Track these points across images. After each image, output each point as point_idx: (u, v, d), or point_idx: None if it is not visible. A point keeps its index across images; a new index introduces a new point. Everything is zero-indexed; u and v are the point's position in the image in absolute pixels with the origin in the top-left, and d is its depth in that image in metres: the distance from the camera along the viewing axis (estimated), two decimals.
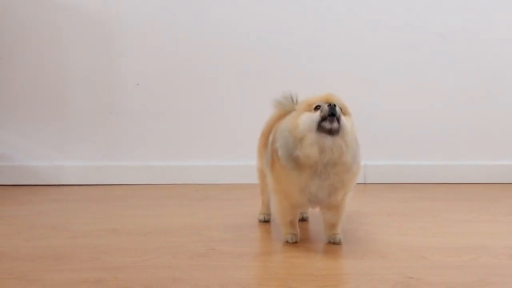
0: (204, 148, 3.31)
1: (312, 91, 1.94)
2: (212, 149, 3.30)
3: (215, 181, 3.25)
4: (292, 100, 2.13)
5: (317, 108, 1.82)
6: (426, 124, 3.32)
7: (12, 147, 3.25)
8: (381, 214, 2.52)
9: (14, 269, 1.71)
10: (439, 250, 1.91)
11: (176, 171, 3.27)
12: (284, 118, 1.97)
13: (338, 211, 1.96)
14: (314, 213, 2.28)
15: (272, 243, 2.08)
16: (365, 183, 3.25)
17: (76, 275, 1.66)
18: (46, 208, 2.65)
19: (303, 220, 2.31)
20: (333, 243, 1.98)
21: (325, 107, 1.79)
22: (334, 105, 1.79)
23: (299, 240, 2.01)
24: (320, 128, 1.79)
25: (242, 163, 3.08)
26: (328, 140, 1.79)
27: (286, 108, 2.13)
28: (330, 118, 1.78)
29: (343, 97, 1.91)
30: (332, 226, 2.00)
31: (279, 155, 1.86)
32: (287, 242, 2.00)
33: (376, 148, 3.17)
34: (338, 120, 1.79)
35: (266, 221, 2.30)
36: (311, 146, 1.79)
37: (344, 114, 1.84)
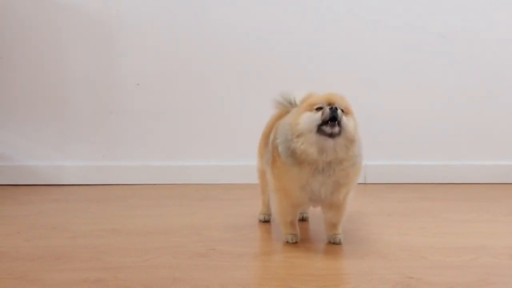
0: (204, 148, 3.31)
1: (312, 91, 1.94)
2: (212, 149, 3.30)
3: (215, 181, 3.25)
4: (291, 101, 2.13)
5: (318, 109, 1.82)
6: (426, 124, 3.32)
7: (12, 147, 3.25)
8: (381, 214, 2.52)
9: (14, 269, 1.71)
10: (439, 250, 1.91)
11: (176, 171, 3.27)
12: (285, 117, 1.98)
13: (339, 211, 1.96)
14: (314, 213, 2.29)
15: (272, 243, 2.09)
16: (365, 183, 3.25)
17: (76, 275, 1.66)
18: (46, 208, 2.65)
19: (303, 220, 2.31)
20: (333, 243, 1.99)
21: (327, 111, 1.79)
22: (336, 109, 1.79)
23: (299, 240, 2.01)
24: (320, 131, 1.79)
25: (242, 163, 3.08)
26: (329, 142, 1.80)
27: (286, 107, 2.14)
28: (331, 123, 1.78)
29: (345, 95, 1.92)
30: (333, 226, 2.00)
31: (279, 151, 1.86)
32: (287, 242, 2.00)
33: (376, 148, 3.16)
34: (339, 123, 1.79)
35: (266, 221, 2.30)
36: (310, 145, 1.80)
37: (346, 113, 1.84)
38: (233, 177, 3.22)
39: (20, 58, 3.23)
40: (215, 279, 1.62)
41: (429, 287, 1.57)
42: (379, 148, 3.21)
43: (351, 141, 1.83)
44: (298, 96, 2.11)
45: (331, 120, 1.78)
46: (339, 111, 1.79)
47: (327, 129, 1.78)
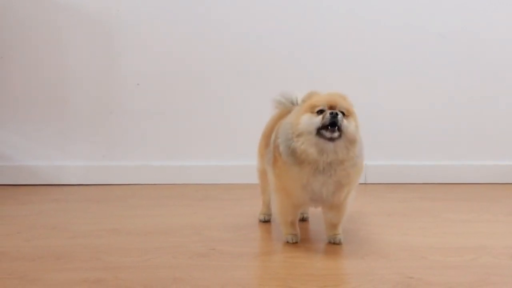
0: (204, 148, 3.31)
1: (314, 89, 1.94)
2: (212, 149, 3.30)
3: (215, 181, 3.25)
4: (293, 100, 2.13)
5: (319, 112, 1.82)
6: (426, 124, 3.32)
7: (12, 147, 3.25)
8: (382, 214, 2.52)
9: (15, 269, 1.71)
10: (439, 250, 1.91)
11: (176, 171, 3.27)
12: (286, 117, 1.98)
13: (340, 211, 1.96)
14: (314, 213, 2.29)
15: (272, 243, 2.09)
16: (365, 183, 3.25)
17: (77, 275, 1.66)
18: (46, 208, 2.65)
19: (303, 220, 2.31)
20: (334, 243, 1.99)
21: (327, 115, 1.79)
22: (336, 114, 1.79)
23: (299, 240, 2.01)
24: (319, 134, 1.79)
25: (242, 163, 3.08)
26: (328, 145, 1.80)
27: (287, 107, 2.14)
28: (331, 128, 1.78)
29: (347, 95, 1.92)
30: (333, 226, 2.00)
31: (280, 150, 1.87)
32: (287, 242, 2.00)
33: (376, 148, 3.16)
34: (339, 128, 1.79)
35: (266, 221, 2.30)
36: (310, 146, 1.80)
37: (348, 115, 1.84)
38: (233, 177, 3.22)
39: (20, 58, 3.23)
40: (215, 279, 1.62)
41: (429, 287, 1.57)
42: (379, 148, 3.21)
43: (352, 142, 1.83)
44: (300, 96, 2.11)
45: (331, 125, 1.78)
46: (339, 116, 1.79)
47: (327, 134, 1.79)
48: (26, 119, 3.24)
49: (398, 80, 3.30)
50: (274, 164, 1.93)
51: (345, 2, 3.26)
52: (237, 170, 3.20)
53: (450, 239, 2.09)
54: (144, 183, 3.24)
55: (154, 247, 1.94)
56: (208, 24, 3.25)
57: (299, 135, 1.82)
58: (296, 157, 1.83)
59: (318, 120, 1.81)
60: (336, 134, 1.79)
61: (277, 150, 1.89)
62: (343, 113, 1.82)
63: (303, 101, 1.91)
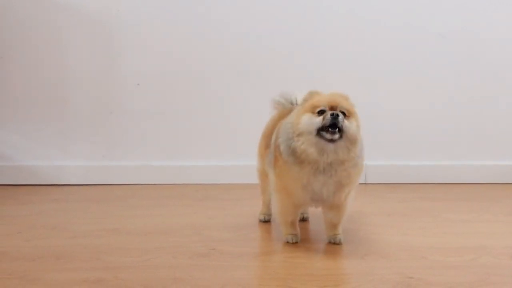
0: (204, 148, 3.31)
1: (314, 89, 1.94)
2: (212, 149, 3.30)
3: (215, 181, 3.25)
4: (292, 101, 2.13)
5: (320, 112, 1.82)
6: (426, 124, 3.32)
7: (12, 147, 3.25)
8: (382, 214, 2.52)
9: (15, 269, 1.71)
10: (439, 250, 1.91)
11: (176, 171, 3.27)
12: (286, 117, 1.98)
13: (340, 211, 1.96)
14: (314, 213, 2.29)
15: (273, 243, 2.09)
16: (365, 183, 3.25)
17: (77, 274, 1.66)
18: (46, 208, 2.65)
19: (303, 220, 2.31)
20: (334, 243, 1.98)
21: (328, 116, 1.79)
22: (337, 115, 1.78)
23: (299, 240, 2.01)
24: (319, 134, 1.79)
25: (242, 163, 3.08)
26: (329, 145, 1.80)
27: (286, 107, 2.13)
28: (331, 130, 1.78)
29: (348, 94, 1.91)
30: (333, 226, 2.00)
31: (281, 150, 1.86)
32: (287, 242, 2.00)
33: (376, 148, 3.16)
34: (340, 130, 1.79)
35: (266, 221, 2.30)
36: (310, 146, 1.80)
37: (349, 116, 1.84)
38: (233, 177, 3.22)
39: (20, 58, 3.23)
40: (215, 279, 1.62)
41: (429, 287, 1.57)
42: (379, 148, 3.21)
43: (352, 142, 1.83)
44: (299, 96, 2.12)
45: (331, 127, 1.78)
46: (340, 117, 1.79)
47: (327, 136, 1.79)
48: (26, 119, 3.25)
49: (398, 80, 3.30)
50: (275, 164, 1.93)
51: (345, 2, 3.27)
52: (237, 170, 3.20)
53: (450, 239, 2.09)
54: (144, 183, 3.24)
55: (154, 247, 1.94)
56: (208, 24, 3.25)
57: (299, 135, 1.82)
58: (296, 157, 1.83)
59: (318, 120, 1.80)
60: (336, 136, 1.79)
61: (277, 150, 1.89)
62: (344, 114, 1.82)
63: (304, 100, 1.90)
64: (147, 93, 3.26)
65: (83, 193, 3.01)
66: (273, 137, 1.99)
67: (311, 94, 1.90)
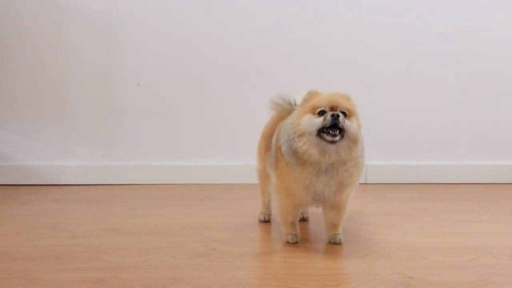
0: (204, 148, 3.31)
1: (314, 89, 1.93)
2: (212, 149, 3.30)
3: (215, 181, 3.25)
4: (291, 102, 2.13)
5: (321, 113, 1.82)
6: (426, 124, 3.32)
7: (12, 147, 3.25)
8: (382, 214, 2.52)
9: (15, 269, 1.71)
10: (439, 250, 1.91)
11: (176, 171, 3.27)
12: (286, 118, 1.97)
13: (340, 211, 1.96)
14: (314, 213, 2.29)
15: (273, 243, 2.09)
16: (365, 183, 3.25)
17: (77, 274, 1.66)
18: (46, 208, 2.65)
19: (303, 220, 2.31)
20: (334, 243, 1.98)
21: (328, 117, 1.78)
22: (338, 116, 1.78)
23: (299, 240, 2.01)
24: (320, 135, 1.79)
25: (242, 163, 3.08)
26: (330, 146, 1.80)
27: (284, 108, 2.13)
28: (332, 130, 1.78)
29: (349, 94, 1.91)
30: (333, 226, 2.00)
31: (283, 151, 1.86)
32: (287, 242, 2.00)
33: (376, 148, 3.16)
34: (341, 130, 1.78)
35: (266, 221, 2.30)
36: (311, 147, 1.80)
37: (350, 116, 1.83)
38: (233, 177, 3.22)
39: (20, 58, 3.23)
40: (215, 279, 1.62)
41: (430, 287, 1.57)
42: (379, 148, 3.21)
43: (354, 142, 1.83)
44: (298, 97, 2.11)
45: (332, 127, 1.78)
46: (341, 118, 1.78)
47: (328, 137, 1.78)
48: (26, 119, 3.24)
49: (398, 80, 3.30)
50: (276, 165, 1.93)
51: (345, 2, 3.26)
52: (237, 170, 3.20)
53: (450, 239, 2.09)
54: (144, 183, 3.24)
55: (154, 247, 1.94)
56: (208, 24, 3.25)
57: (300, 136, 1.82)
58: (298, 158, 1.82)
59: (319, 121, 1.80)
60: (337, 138, 1.79)
61: (279, 151, 1.89)
62: (344, 114, 1.81)
63: (304, 100, 1.90)
64: (147, 93, 3.26)
65: (83, 193, 3.01)
66: (274, 138, 1.98)
67: (311, 94, 1.89)
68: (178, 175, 3.26)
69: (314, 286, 1.58)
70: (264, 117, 2.25)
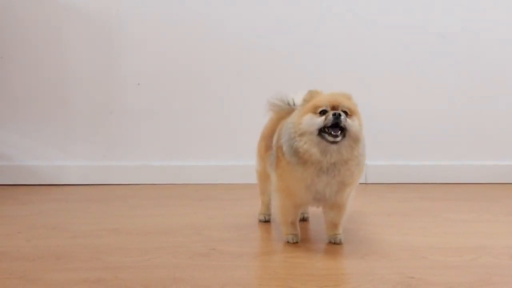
0: (204, 148, 3.31)
1: (314, 89, 1.93)
2: (212, 149, 3.30)
3: (215, 181, 3.25)
4: (289, 102, 2.13)
5: (322, 112, 1.82)
6: (426, 124, 3.32)
7: (12, 147, 3.25)
8: (382, 214, 2.52)
9: (15, 269, 1.71)
10: (439, 250, 1.91)
11: (176, 171, 3.27)
12: (286, 118, 1.97)
13: (340, 211, 1.96)
14: (314, 213, 2.29)
15: (273, 243, 2.09)
16: (366, 183, 3.25)
17: (77, 274, 1.66)
18: (47, 208, 2.65)
19: (303, 220, 2.31)
20: (334, 243, 1.98)
21: (330, 116, 1.78)
22: (339, 115, 1.78)
23: (299, 240, 2.01)
24: (321, 135, 1.79)
25: (242, 163, 3.08)
26: (332, 146, 1.79)
27: (283, 108, 2.13)
28: (334, 131, 1.77)
29: (350, 93, 1.91)
30: (334, 226, 1.99)
31: (284, 150, 1.86)
32: (287, 242, 1.99)
33: (376, 148, 3.16)
34: (342, 129, 1.78)
35: (266, 221, 2.30)
36: (312, 146, 1.80)
37: (351, 115, 1.83)
38: (233, 177, 3.22)
39: (20, 58, 3.23)
40: (215, 279, 1.62)
41: (430, 287, 1.57)
42: (379, 148, 3.21)
43: (356, 141, 1.82)
44: (297, 97, 2.11)
45: (333, 126, 1.77)
46: (342, 117, 1.78)
47: (330, 138, 1.78)
48: (26, 119, 3.24)
49: (398, 80, 3.30)
50: (277, 165, 1.93)
51: (345, 2, 3.27)
52: (237, 170, 3.20)
53: (450, 239, 2.09)
54: (144, 183, 3.24)
55: (154, 247, 1.94)
56: (208, 24, 3.25)
57: (301, 135, 1.82)
58: (299, 157, 1.82)
59: (320, 120, 1.80)
60: (338, 139, 1.78)
61: (280, 151, 1.89)
62: (346, 113, 1.81)
63: (305, 100, 1.89)
64: (147, 93, 3.26)
65: (83, 193, 3.01)
66: (275, 138, 1.98)
67: (312, 94, 1.89)
68: (178, 175, 3.26)
69: (314, 286, 1.57)
70: (264, 117, 2.25)
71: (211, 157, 3.30)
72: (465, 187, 3.19)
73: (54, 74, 3.24)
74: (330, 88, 1.93)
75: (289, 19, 3.26)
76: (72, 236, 2.10)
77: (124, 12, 3.23)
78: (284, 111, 2.10)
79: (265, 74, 3.25)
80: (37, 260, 1.80)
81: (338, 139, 1.78)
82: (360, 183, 2.15)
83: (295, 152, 1.83)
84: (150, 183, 3.24)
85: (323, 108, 1.82)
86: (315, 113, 1.82)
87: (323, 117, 1.80)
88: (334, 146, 1.79)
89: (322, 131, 1.79)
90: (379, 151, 3.22)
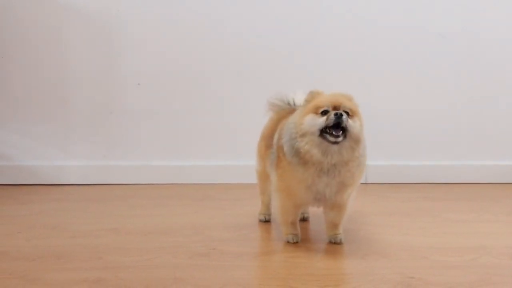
0: (204, 148, 3.30)
1: (315, 89, 1.93)
2: (212, 149, 3.30)
3: (215, 181, 3.25)
4: (289, 102, 2.13)
5: (323, 112, 1.81)
6: (426, 124, 3.32)
7: (12, 147, 3.25)
8: (382, 214, 2.52)
9: (15, 269, 1.71)
10: (439, 250, 1.91)
11: (176, 171, 3.27)
12: (287, 118, 1.97)
13: (341, 211, 1.96)
14: (314, 213, 2.28)
15: (273, 243, 2.09)
16: (366, 183, 3.25)
17: (77, 274, 1.66)
18: (47, 208, 2.65)
19: (304, 220, 2.31)
20: (334, 243, 1.98)
21: (331, 116, 1.78)
22: (341, 115, 1.78)
23: (300, 240, 2.01)
24: (322, 136, 1.79)
25: (242, 163, 3.07)
26: (333, 147, 1.79)
27: (283, 108, 2.13)
28: (335, 131, 1.77)
29: (352, 94, 1.91)
30: (334, 225, 1.99)
31: (285, 150, 1.86)
32: (288, 242, 1.99)
33: (376, 148, 3.13)
34: (344, 129, 1.78)
35: (266, 221, 2.30)
36: (313, 147, 1.80)
37: (352, 115, 1.83)
38: (233, 177, 3.22)
39: (20, 58, 3.23)
40: (215, 279, 1.62)
41: (430, 287, 1.57)
42: (379, 148, 3.21)
43: (356, 142, 1.82)
44: (297, 97, 2.11)
45: (335, 126, 1.77)
46: (344, 117, 1.78)
47: (331, 138, 1.78)
48: (26, 119, 3.24)
49: (398, 80, 3.30)
50: (278, 165, 1.93)
51: (345, 2, 3.27)
52: (237, 170, 3.20)
53: (450, 239, 2.09)
54: (144, 183, 3.23)
55: (154, 247, 1.94)
56: (208, 24, 3.25)
57: (302, 135, 1.82)
58: (300, 157, 1.82)
59: (322, 121, 1.80)
60: (340, 139, 1.78)
61: (281, 151, 1.89)
62: (347, 113, 1.81)
63: (307, 101, 1.89)
64: (147, 93, 3.26)
65: (83, 193, 3.01)
66: (275, 137, 1.98)
67: (313, 95, 1.89)
68: (178, 175, 3.26)
69: (315, 285, 1.57)
70: (264, 116, 2.25)
71: (211, 157, 3.30)
72: (465, 187, 3.19)
73: (54, 74, 3.24)
74: (330, 88, 1.93)
75: (289, 19, 3.26)
76: (72, 236, 2.10)
77: (124, 12, 3.23)
78: (285, 111, 2.10)
79: (265, 74, 3.25)
80: (37, 260, 1.80)
81: (340, 139, 1.78)
82: (361, 183, 2.15)
83: (296, 153, 1.83)
84: (150, 183, 3.24)
85: (325, 108, 1.81)
86: (316, 113, 1.82)
87: (324, 117, 1.80)
88: (335, 147, 1.79)
89: (323, 131, 1.79)
90: (379, 151, 3.22)
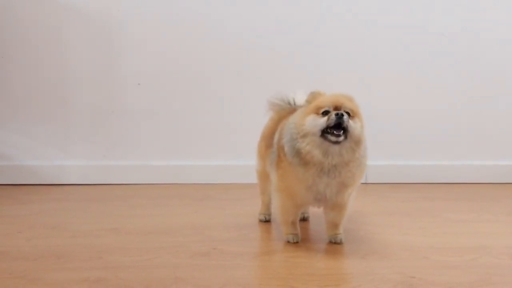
0: (204, 148, 3.30)
1: (316, 89, 1.93)
2: (212, 149, 3.30)
3: (215, 181, 3.25)
4: (290, 101, 2.13)
5: (325, 113, 1.81)
6: (426, 124, 3.32)
7: (12, 147, 3.25)
8: (382, 214, 2.52)
9: (15, 269, 1.71)
10: (440, 250, 1.91)
11: (176, 171, 3.27)
12: (287, 118, 1.97)
13: (341, 211, 1.96)
14: (315, 213, 2.28)
15: (273, 242, 2.09)
16: (366, 183, 3.25)
17: (77, 274, 1.66)
18: (47, 208, 2.65)
19: (304, 220, 2.31)
20: (334, 243, 1.98)
21: (332, 116, 1.78)
22: (342, 115, 1.78)
23: (300, 240, 2.01)
24: (323, 136, 1.79)
25: (242, 163, 3.07)
26: (334, 148, 1.79)
27: (283, 108, 2.13)
28: (336, 131, 1.77)
29: (352, 95, 1.91)
30: (334, 225, 1.99)
31: (285, 150, 1.86)
32: (288, 242, 1.99)
33: (376, 148, 3.12)
34: (345, 130, 1.78)
35: (266, 221, 2.30)
36: (314, 148, 1.80)
37: (353, 116, 1.83)
38: (233, 177, 3.22)
39: (20, 58, 3.23)
40: (216, 279, 1.62)
41: (430, 287, 1.57)
42: (379, 148, 3.19)
43: (357, 143, 1.82)
44: (297, 97, 2.11)
45: (336, 126, 1.77)
46: (345, 117, 1.78)
47: (332, 138, 1.78)
48: (26, 119, 3.24)
49: (398, 80, 3.31)
50: (278, 165, 1.93)
51: (345, 2, 3.27)
52: (237, 170, 3.20)
53: (450, 239, 2.09)
54: (144, 183, 3.23)
55: (154, 246, 1.94)
56: (208, 24, 3.25)
57: (303, 136, 1.82)
58: (301, 158, 1.82)
59: (323, 121, 1.80)
60: (341, 139, 1.78)
61: (281, 151, 1.89)
62: (348, 114, 1.81)
63: (308, 101, 1.89)
64: (147, 93, 3.26)
65: (83, 193, 3.01)
66: (276, 137, 1.98)
67: (314, 95, 1.89)
68: (178, 175, 3.26)
69: (315, 285, 1.57)
70: (264, 116, 2.25)
71: (211, 157, 3.30)
72: (465, 187, 3.19)
73: (54, 74, 3.24)
74: (330, 89, 1.93)
75: (289, 19, 3.26)
76: (72, 236, 2.10)
77: (124, 12, 3.23)
78: (285, 110, 2.10)
79: (265, 74, 3.25)
80: (37, 259, 1.80)
81: (341, 139, 1.78)
82: (361, 183, 2.15)
83: (297, 153, 1.83)
84: (150, 183, 3.23)
85: (326, 108, 1.82)
86: (317, 114, 1.82)
87: (325, 118, 1.80)
88: (336, 148, 1.79)
89: (324, 131, 1.79)
90: (379, 151, 3.21)
